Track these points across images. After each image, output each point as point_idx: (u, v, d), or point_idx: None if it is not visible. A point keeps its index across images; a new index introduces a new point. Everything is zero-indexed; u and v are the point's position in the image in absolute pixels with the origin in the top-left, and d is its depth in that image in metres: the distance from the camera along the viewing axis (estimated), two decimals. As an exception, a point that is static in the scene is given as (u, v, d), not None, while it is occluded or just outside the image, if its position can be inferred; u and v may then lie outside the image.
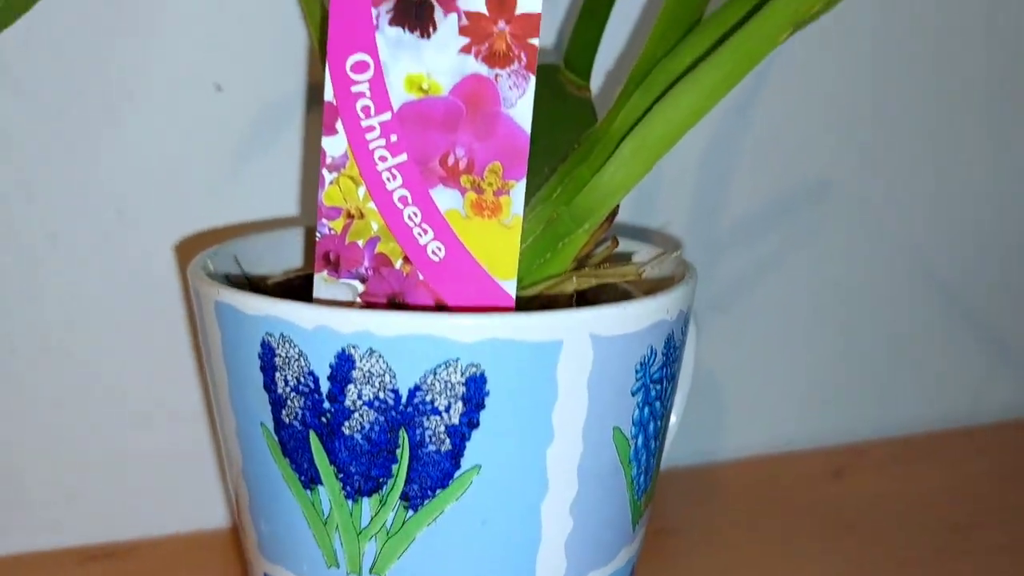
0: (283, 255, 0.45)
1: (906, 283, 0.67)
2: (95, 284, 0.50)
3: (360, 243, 0.35)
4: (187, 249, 0.52)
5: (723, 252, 0.62)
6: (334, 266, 0.36)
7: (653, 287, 0.42)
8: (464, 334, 0.32)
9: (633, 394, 0.36)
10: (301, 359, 0.33)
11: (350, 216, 0.35)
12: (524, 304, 0.38)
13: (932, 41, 0.63)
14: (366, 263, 0.35)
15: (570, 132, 0.43)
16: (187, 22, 0.49)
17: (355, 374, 0.32)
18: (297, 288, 0.41)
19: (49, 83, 0.47)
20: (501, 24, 0.34)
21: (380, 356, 0.32)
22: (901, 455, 0.66)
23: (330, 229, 0.35)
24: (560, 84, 0.45)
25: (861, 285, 0.66)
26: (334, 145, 0.35)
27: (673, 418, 0.48)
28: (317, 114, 0.52)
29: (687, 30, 0.44)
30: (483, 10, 0.34)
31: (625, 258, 0.46)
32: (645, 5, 0.56)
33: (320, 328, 0.32)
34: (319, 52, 0.39)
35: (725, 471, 0.63)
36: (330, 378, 0.33)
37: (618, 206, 0.41)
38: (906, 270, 0.67)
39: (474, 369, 0.32)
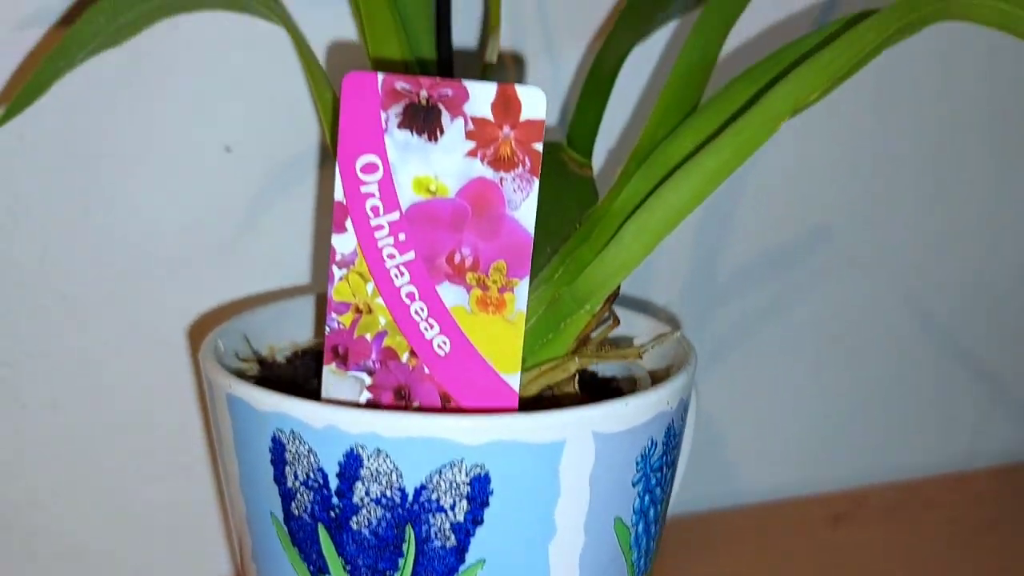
0: (291, 325, 0.47)
1: (903, 330, 0.69)
2: (104, 342, 0.52)
3: (368, 337, 0.37)
4: (196, 309, 0.53)
5: (722, 300, 0.64)
6: (343, 359, 0.37)
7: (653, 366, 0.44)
8: (469, 436, 0.34)
9: (634, 485, 0.37)
10: (311, 456, 0.35)
11: (359, 311, 0.37)
12: (529, 402, 0.40)
13: (931, 88, 0.64)
14: (374, 356, 0.37)
15: (572, 211, 0.45)
16: (196, 83, 0.50)
17: (363, 472, 0.34)
18: (305, 367, 0.43)
19: (61, 145, 0.49)
20: (506, 129, 0.36)
21: (387, 456, 0.34)
22: (899, 501, 0.68)
23: (339, 323, 0.37)
24: (562, 162, 0.46)
25: (858, 333, 0.68)
26: (344, 242, 0.37)
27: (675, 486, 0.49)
28: (329, 177, 0.53)
29: (687, 112, 0.45)
30: (489, 116, 0.36)
31: (627, 340, 0.47)
32: (646, 85, 0.58)
33: (329, 427, 0.34)
34: (330, 139, 0.41)
35: (724, 518, 0.65)
36: (339, 475, 0.35)
37: (619, 286, 0.43)
38: (903, 317, 0.69)
39: (478, 469, 0.34)
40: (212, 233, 0.52)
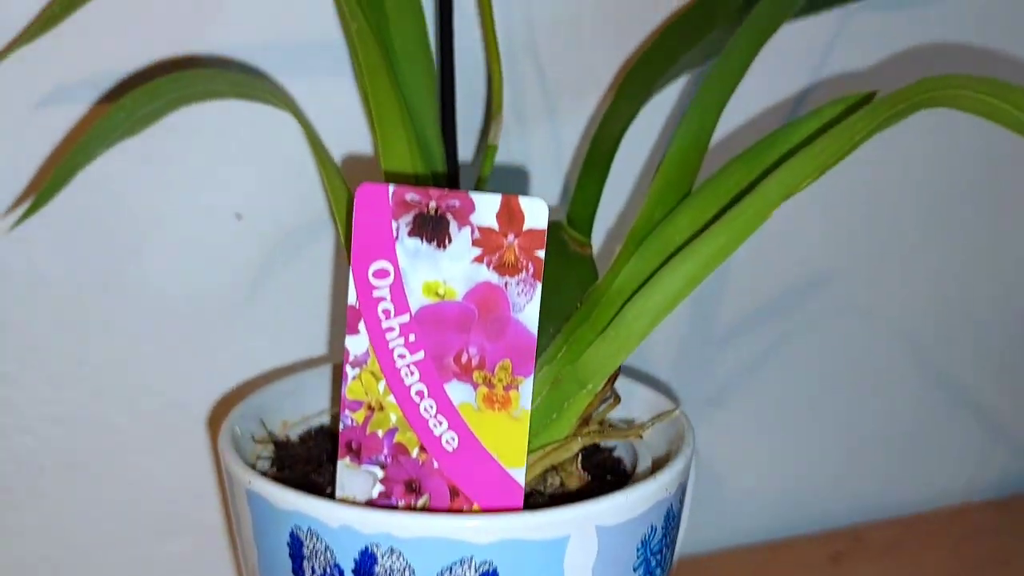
0: (305, 399, 0.50)
1: (899, 370, 0.71)
2: (120, 407, 0.55)
3: (380, 433, 0.40)
4: (210, 373, 0.56)
5: (722, 346, 0.67)
6: (356, 454, 0.40)
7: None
8: (477, 535, 0.37)
9: (635, 570, 0.40)
10: (327, 552, 0.38)
11: (371, 408, 0.40)
12: (533, 483, 0.43)
13: (928, 131, 0.67)
14: (385, 451, 0.40)
15: (573, 290, 0.48)
16: (208, 151, 0.53)
17: (377, 569, 0.37)
18: (319, 448, 0.46)
19: (76, 215, 0.52)
20: (510, 237, 0.39)
21: (400, 554, 0.37)
22: (899, 537, 0.71)
23: (352, 420, 0.40)
24: (563, 241, 0.49)
25: (857, 373, 0.70)
26: (357, 344, 0.40)
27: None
28: (342, 259, 0.56)
29: (683, 193, 0.48)
30: (494, 225, 0.39)
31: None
32: (644, 163, 0.60)
33: (345, 527, 0.37)
34: (343, 232, 0.43)
35: (724, 559, 0.68)
36: (354, 571, 0.37)
37: (620, 367, 0.46)
38: (900, 356, 0.71)
39: (487, 566, 0.37)
40: (225, 298, 0.55)
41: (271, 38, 0.52)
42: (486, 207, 0.38)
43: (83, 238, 0.52)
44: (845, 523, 0.72)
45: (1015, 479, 0.76)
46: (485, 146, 0.50)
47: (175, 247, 0.54)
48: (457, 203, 0.39)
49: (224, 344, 0.55)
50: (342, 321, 0.56)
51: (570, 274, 0.48)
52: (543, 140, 0.58)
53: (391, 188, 0.39)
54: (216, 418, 0.56)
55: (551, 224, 0.48)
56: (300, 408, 0.49)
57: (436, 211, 0.39)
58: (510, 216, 0.38)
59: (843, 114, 0.47)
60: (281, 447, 0.45)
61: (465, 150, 0.54)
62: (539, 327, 0.40)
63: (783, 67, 0.61)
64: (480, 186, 0.49)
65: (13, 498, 0.54)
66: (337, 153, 0.54)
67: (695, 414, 0.64)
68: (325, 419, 0.49)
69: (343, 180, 0.44)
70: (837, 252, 0.67)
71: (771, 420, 0.68)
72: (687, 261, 0.43)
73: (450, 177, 0.48)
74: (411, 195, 0.39)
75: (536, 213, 0.38)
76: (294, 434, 0.47)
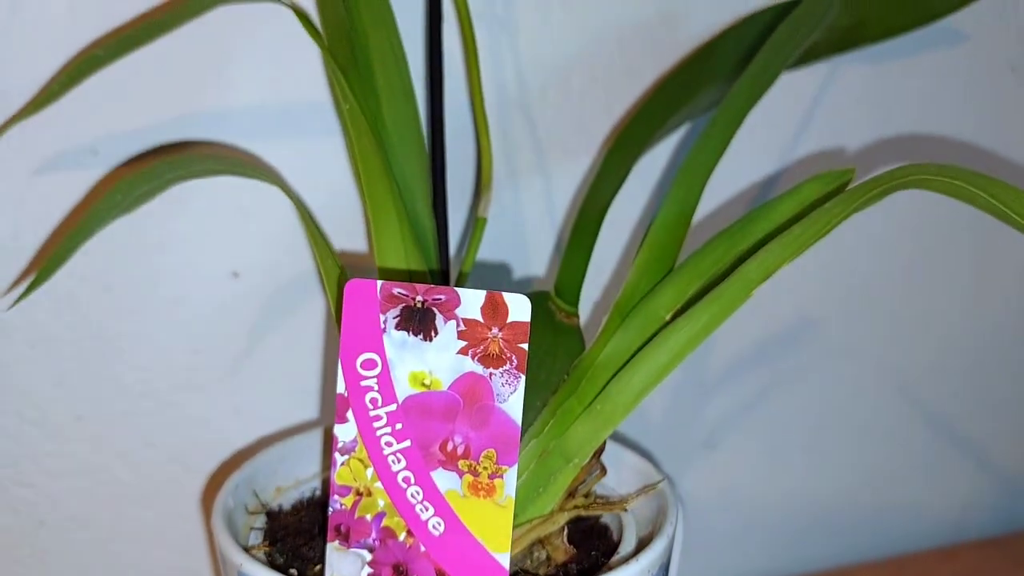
0: (299, 463, 0.52)
1: (890, 409, 0.73)
2: (118, 461, 0.57)
3: (368, 517, 0.42)
4: (206, 425, 0.58)
5: (713, 390, 0.68)
6: (345, 537, 0.42)
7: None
8: (461, 623, 0.38)
9: (615, 650, 0.42)
10: (317, 636, 0.39)
11: (359, 494, 0.42)
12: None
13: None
14: (373, 535, 0.42)
15: (561, 362, 0.49)
16: (205, 211, 0.55)
17: (365, 654, 0.39)
18: (311, 519, 0.48)
19: (76, 272, 0.54)
20: (495, 330, 0.40)
21: (387, 640, 0.39)
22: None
23: (341, 504, 0.42)
24: (550, 312, 0.51)
25: (846, 414, 0.72)
26: (345, 432, 0.41)
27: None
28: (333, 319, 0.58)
29: (667, 266, 0.50)
30: (479, 318, 0.40)
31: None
32: (631, 232, 0.62)
33: (334, 613, 0.39)
34: (335, 312, 0.45)
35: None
36: (343, 655, 0.39)
37: (605, 441, 0.48)
38: (889, 397, 0.73)
39: (470, 652, 0.39)
40: (224, 353, 0.57)
41: (269, 100, 0.54)
42: (471, 301, 0.40)
43: (83, 296, 0.54)
44: (836, 564, 0.73)
45: (1005, 518, 0.78)
46: (475, 219, 0.51)
47: (173, 304, 0.55)
48: (443, 297, 0.40)
49: (222, 398, 0.57)
50: (333, 381, 0.58)
51: (558, 345, 0.50)
52: (536, 197, 0.60)
53: (379, 283, 0.40)
54: (214, 483, 0.57)
55: (539, 294, 0.50)
56: (293, 472, 0.51)
57: (423, 305, 0.40)
58: (494, 310, 0.40)
59: (822, 193, 0.48)
60: (273, 517, 0.47)
61: (456, 220, 0.56)
62: (526, 400, 0.42)
63: (764, 142, 0.63)
64: (461, 281, 0.51)
65: (13, 551, 0.56)
66: (332, 215, 0.56)
67: (687, 456, 0.66)
68: (317, 483, 0.51)
69: (334, 256, 0.46)
70: (826, 296, 0.68)
71: (762, 462, 0.70)
72: (671, 339, 0.45)
73: (441, 257, 0.49)
74: (398, 290, 0.40)
75: (519, 307, 0.40)
76: (287, 501, 0.49)
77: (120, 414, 0.56)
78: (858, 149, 0.65)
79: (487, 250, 0.58)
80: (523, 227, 0.60)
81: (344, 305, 0.40)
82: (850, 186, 0.49)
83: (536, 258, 0.61)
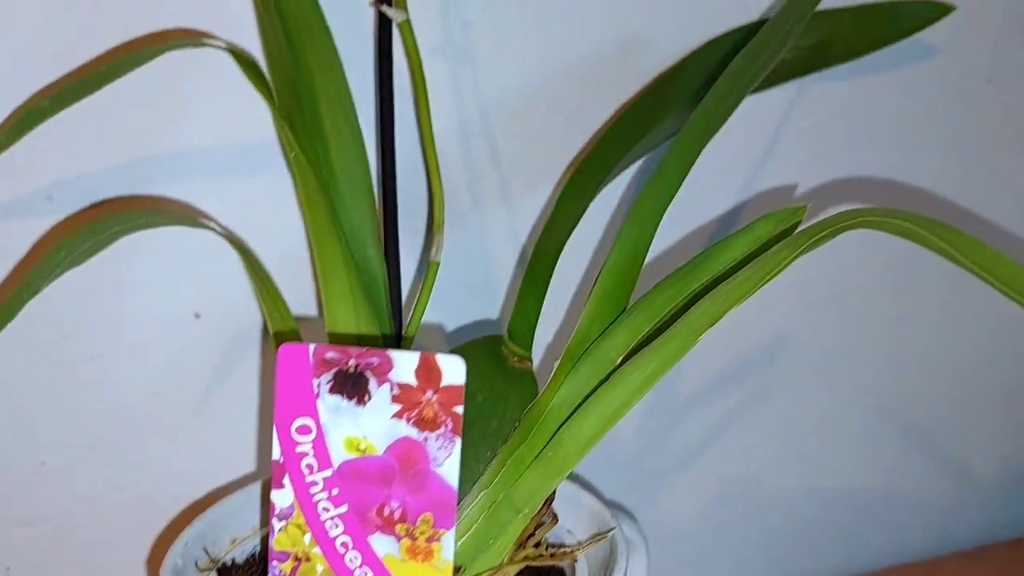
0: (255, 512, 0.51)
1: (867, 425, 0.73)
2: (84, 506, 0.57)
3: (308, 582, 0.42)
4: (169, 466, 0.58)
5: (687, 408, 0.68)
6: (286, 602, 0.42)
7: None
8: None
9: None
10: None
11: (298, 559, 0.41)
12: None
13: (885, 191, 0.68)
14: (314, 599, 0.42)
15: (512, 409, 0.49)
16: (165, 253, 0.54)
17: None
18: (262, 573, 0.48)
19: (33, 320, 0.53)
20: (429, 394, 0.40)
21: None
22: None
23: (280, 571, 0.41)
24: (502, 357, 0.50)
25: (822, 431, 0.72)
26: (282, 497, 0.41)
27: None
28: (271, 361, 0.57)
29: (619, 308, 0.49)
30: (412, 381, 0.40)
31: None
32: (584, 274, 0.62)
33: None
34: (274, 339, 0.45)
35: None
36: None
37: (555, 490, 0.47)
38: (866, 412, 0.72)
39: None
40: (185, 395, 0.57)
41: (224, 142, 0.53)
42: (404, 364, 0.40)
43: (41, 343, 0.54)
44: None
45: (986, 530, 0.77)
46: (427, 262, 0.51)
47: (133, 349, 0.55)
48: (376, 361, 0.40)
49: (186, 441, 0.57)
50: (268, 436, 0.57)
51: (510, 391, 0.49)
52: (499, 224, 0.60)
53: (311, 348, 0.40)
54: (178, 525, 0.57)
55: (492, 338, 0.49)
56: (251, 520, 0.51)
57: (356, 368, 0.40)
58: (428, 373, 0.40)
59: (775, 230, 0.48)
60: (225, 573, 0.47)
61: (408, 264, 0.55)
62: (476, 449, 0.42)
63: (718, 180, 0.63)
64: (406, 343, 0.50)
65: (-20, 599, 0.56)
66: (289, 259, 0.55)
67: (659, 478, 0.66)
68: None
69: (280, 308, 0.47)
70: (800, 312, 0.68)
71: (736, 481, 0.70)
72: (619, 386, 0.45)
73: (393, 303, 0.49)
74: (331, 354, 0.40)
75: (454, 370, 0.39)
76: (243, 553, 0.49)
77: (82, 460, 0.56)
78: (827, 175, 0.64)
79: (450, 282, 0.57)
80: (487, 256, 0.60)
81: (277, 370, 0.40)
82: (802, 224, 0.48)
83: (499, 287, 0.60)
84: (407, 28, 0.50)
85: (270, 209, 0.55)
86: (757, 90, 0.53)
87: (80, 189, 0.53)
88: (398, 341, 0.50)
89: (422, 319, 0.50)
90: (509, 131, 0.59)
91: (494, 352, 0.50)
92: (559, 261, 0.51)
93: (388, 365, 0.40)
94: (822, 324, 0.67)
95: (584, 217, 0.53)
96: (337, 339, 0.47)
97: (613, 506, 0.53)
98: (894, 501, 0.74)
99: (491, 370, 0.49)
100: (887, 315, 0.69)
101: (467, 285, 0.60)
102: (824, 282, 0.67)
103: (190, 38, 0.50)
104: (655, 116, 0.59)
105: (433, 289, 0.51)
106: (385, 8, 0.49)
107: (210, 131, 0.54)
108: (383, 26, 0.50)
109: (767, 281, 0.43)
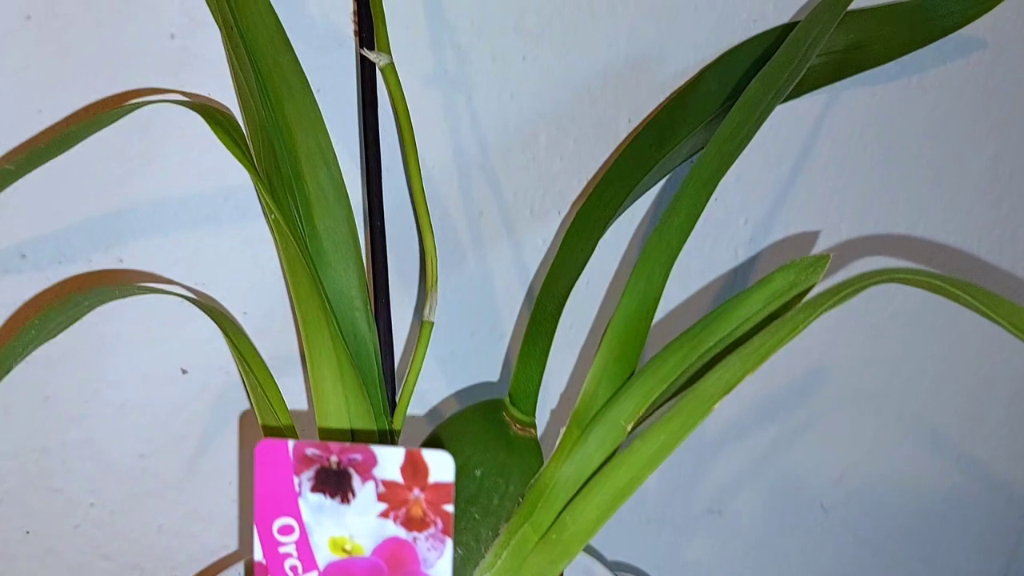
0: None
1: (920, 455, 0.73)
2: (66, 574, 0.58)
3: None
4: (155, 532, 0.59)
5: (719, 447, 0.68)
6: None
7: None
8: None
9: None
10: None
11: (286, 663, 0.43)
12: None
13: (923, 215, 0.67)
14: None
15: (515, 484, 0.50)
16: (148, 308, 0.56)
17: None
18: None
19: (13, 384, 0.54)
20: (416, 492, 0.41)
21: None
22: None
23: (269, 675, 0.43)
24: (504, 424, 0.51)
25: (870, 463, 0.72)
26: (266, 599, 0.43)
27: None
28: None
29: (629, 368, 0.50)
30: (398, 479, 0.41)
31: None
32: (588, 332, 0.62)
33: None
34: (256, 408, 0.46)
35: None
36: None
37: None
38: (918, 443, 0.72)
39: None
40: (174, 456, 0.58)
41: (195, 192, 0.55)
42: (389, 461, 0.41)
43: (20, 408, 0.55)
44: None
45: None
46: (420, 322, 0.52)
47: (118, 409, 0.57)
48: (359, 457, 0.41)
49: (177, 503, 0.59)
50: (248, 518, 0.59)
51: (511, 463, 0.50)
52: (504, 263, 0.60)
53: (291, 444, 0.41)
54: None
55: (492, 403, 0.51)
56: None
57: (338, 465, 0.41)
58: (415, 470, 0.41)
59: (793, 284, 0.48)
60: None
61: (401, 322, 0.56)
62: (476, 531, 0.43)
63: (732, 216, 0.63)
64: (393, 440, 0.51)
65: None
66: (272, 317, 0.57)
67: (690, 523, 0.67)
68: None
69: (258, 376, 0.48)
70: (836, 341, 0.68)
71: (777, 523, 0.70)
72: (628, 460, 0.45)
73: (384, 369, 0.50)
74: (311, 450, 0.41)
75: (442, 466, 0.41)
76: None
77: (71, 527, 0.58)
78: (859, 196, 0.64)
79: (452, 330, 0.58)
80: (491, 297, 0.60)
81: (256, 468, 0.41)
82: (824, 272, 0.49)
83: (506, 330, 0.61)
84: (391, 72, 0.50)
85: (252, 263, 0.56)
86: (782, 101, 0.53)
87: (54, 246, 0.54)
88: (392, 408, 0.51)
89: (417, 381, 0.51)
90: (511, 162, 0.59)
91: (494, 419, 0.51)
92: (565, 310, 0.52)
93: (372, 461, 0.42)
94: (861, 352, 0.67)
95: (595, 255, 0.53)
96: (325, 416, 0.48)
97: (632, 571, 0.55)
98: (952, 536, 0.74)
99: (492, 440, 0.50)
100: (930, 338, 0.69)
101: (471, 332, 0.60)
102: (861, 308, 0.67)
103: (163, 96, 0.51)
104: (668, 139, 0.59)
105: (429, 348, 0.52)
106: (367, 52, 0.50)
107: (187, 181, 0.55)
108: (365, 72, 0.51)
109: (784, 344, 0.43)
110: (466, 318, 0.59)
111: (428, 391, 0.60)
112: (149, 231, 0.55)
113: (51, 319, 0.46)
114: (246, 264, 0.56)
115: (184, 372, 0.57)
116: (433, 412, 0.61)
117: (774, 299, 0.48)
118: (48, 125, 0.51)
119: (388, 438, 0.50)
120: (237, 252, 0.56)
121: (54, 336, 0.46)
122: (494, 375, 0.61)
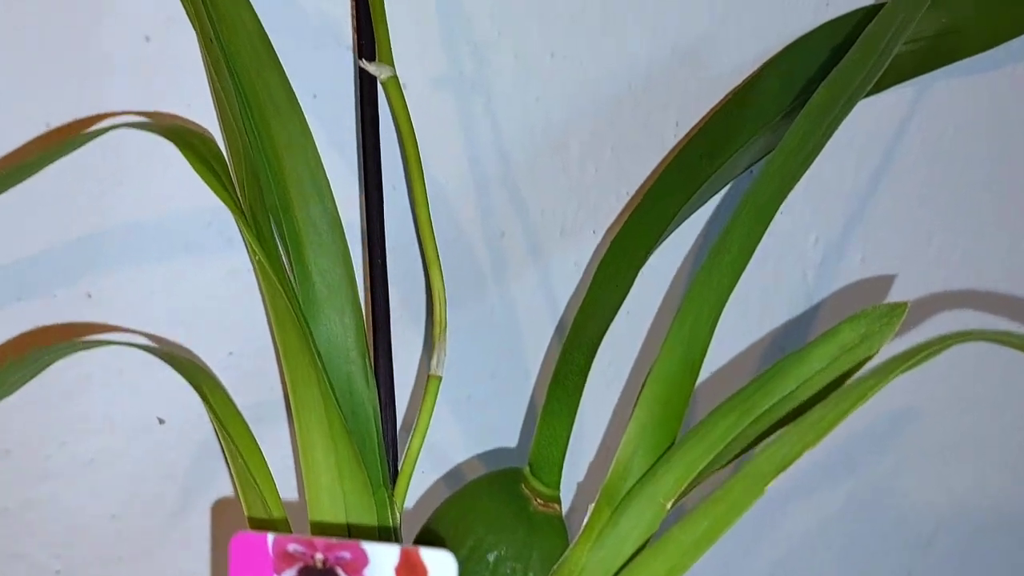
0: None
1: (1011, 515, 0.71)
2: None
3: None
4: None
5: (780, 513, 0.66)
6: None
7: None
8: None
9: None
10: None
11: None
12: None
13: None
14: None
15: (535, 569, 0.48)
16: (117, 352, 0.54)
17: None
18: None
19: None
20: (414, 597, 0.39)
21: None
22: None
23: None
24: (524, 499, 0.49)
25: (964, 519, 0.70)
26: None
27: None
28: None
29: (668, 435, 0.47)
30: (393, 582, 0.39)
31: None
32: (622, 391, 0.60)
33: None
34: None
35: None
36: None
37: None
38: (1009, 502, 0.70)
39: None
40: (148, 516, 0.57)
41: (173, 215, 0.53)
42: (382, 560, 0.39)
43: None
44: None
45: None
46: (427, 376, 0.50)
47: (86, 464, 0.55)
48: (348, 555, 0.39)
49: (151, 569, 0.57)
50: None
51: (532, 544, 0.48)
52: (529, 291, 0.58)
53: (270, 538, 0.39)
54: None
55: (511, 472, 0.49)
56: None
57: (324, 564, 0.39)
58: (411, 570, 0.39)
59: (863, 337, 0.46)
60: None
61: (405, 376, 0.55)
62: None
63: (800, 240, 0.61)
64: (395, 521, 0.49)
65: None
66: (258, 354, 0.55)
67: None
68: None
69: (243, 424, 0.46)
70: (919, 385, 0.66)
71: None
72: (666, 550, 0.43)
73: (386, 430, 0.48)
74: (293, 546, 0.39)
75: (443, 567, 0.39)
76: None
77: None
78: (949, 207, 0.62)
79: (466, 372, 0.56)
80: (515, 332, 0.59)
81: (231, 565, 0.40)
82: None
83: (532, 369, 0.59)
84: (395, 87, 0.48)
85: (238, 295, 0.54)
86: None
87: (15, 280, 0.52)
88: (394, 476, 0.50)
89: (423, 444, 0.50)
90: (538, 175, 0.57)
91: (513, 492, 0.49)
92: (602, 344, 0.50)
93: (363, 561, 0.39)
94: (947, 398, 0.65)
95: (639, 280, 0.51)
96: (315, 488, 0.47)
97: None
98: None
99: (509, 517, 0.48)
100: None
101: (492, 373, 0.59)
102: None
103: (130, 119, 0.50)
104: (722, 148, 0.57)
105: (440, 394, 0.50)
106: (366, 64, 0.48)
107: (164, 204, 0.53)
108: (364, 86, 0.49)
109: (849, 414, 0.41)
110: (486, 357, 0.57)
111: (440, 443, 0.58)
112: (121, 261, 0.53)
113: (7, 376, 0.45)
114: (231, 297, 0.54)
115: (161, 421, 0.55)
116: (444, 467, 0.59)
117: (841, 354, 0.45)
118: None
119: (388, 513, 0.48)
120: (221, 283, 0.54)
121: (9, 394, 0.45)
122: (516, 425, 0.59)
